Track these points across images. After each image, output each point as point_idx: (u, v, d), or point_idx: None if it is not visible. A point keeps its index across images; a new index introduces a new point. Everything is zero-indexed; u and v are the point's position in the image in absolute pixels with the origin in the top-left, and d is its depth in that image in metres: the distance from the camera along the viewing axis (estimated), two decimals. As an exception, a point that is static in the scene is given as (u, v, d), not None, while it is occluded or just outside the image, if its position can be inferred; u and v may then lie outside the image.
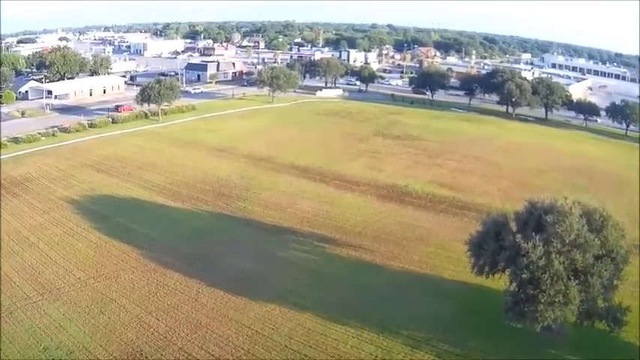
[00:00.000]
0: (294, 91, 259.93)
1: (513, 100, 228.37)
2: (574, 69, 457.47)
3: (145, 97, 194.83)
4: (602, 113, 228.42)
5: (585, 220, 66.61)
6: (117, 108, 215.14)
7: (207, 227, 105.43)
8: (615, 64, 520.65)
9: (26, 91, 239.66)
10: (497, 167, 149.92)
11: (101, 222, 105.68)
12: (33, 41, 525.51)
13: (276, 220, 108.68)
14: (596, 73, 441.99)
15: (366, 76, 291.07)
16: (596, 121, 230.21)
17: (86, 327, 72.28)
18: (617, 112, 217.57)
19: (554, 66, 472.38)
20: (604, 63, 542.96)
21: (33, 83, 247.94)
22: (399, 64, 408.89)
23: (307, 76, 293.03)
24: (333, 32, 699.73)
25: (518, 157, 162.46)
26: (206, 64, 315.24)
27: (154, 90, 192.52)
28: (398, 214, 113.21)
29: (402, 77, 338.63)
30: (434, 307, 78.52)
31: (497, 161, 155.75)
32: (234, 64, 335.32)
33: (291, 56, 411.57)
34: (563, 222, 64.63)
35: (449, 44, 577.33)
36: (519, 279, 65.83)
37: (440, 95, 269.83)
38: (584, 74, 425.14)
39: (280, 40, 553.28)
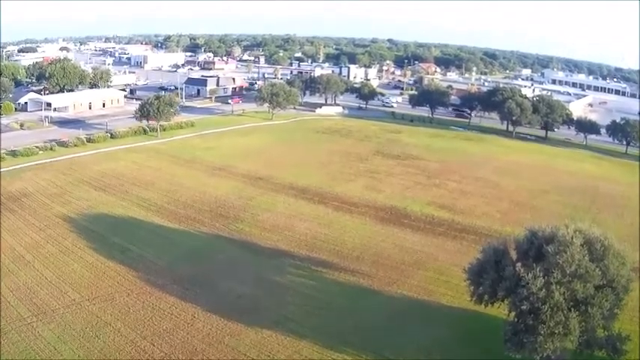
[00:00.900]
0: (294, 108, 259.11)
1: (514, 118, 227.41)
2: (574, 85, 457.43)
3: (144, 112, 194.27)
4: (603, 131, 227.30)
5: (586, 249, 65.81)
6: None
7: (204, 249, 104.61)
8: (615, 79, 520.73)
9: (25, 103, 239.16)
10: (497, 188, 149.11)
11: (97, 241, 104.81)
12: (34, 50, 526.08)
13: (274, 243, 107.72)
14: (596, 88, 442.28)
15: (366, 93, 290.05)
16: (599, 134, 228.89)
17: (81, 350, 71.39)
18: (618, 130, 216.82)
19: (554, 82, 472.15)
20: (604, 78, 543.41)
21: (32, 95, 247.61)
22: (399, 80, 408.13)
23: (307, 92, 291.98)
24: (334, 47, 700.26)
25: (519, 177, 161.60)
26: (206, 79, 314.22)
27: (153, 106, 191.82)
28: (396, 238, 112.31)
29: (401, 94, 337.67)
30: (432, 334, 77.62)
31: (497, 182, 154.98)
32: (234, 79, 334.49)
33: (292, 71, 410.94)
34: (564, 252, 63.90)
35: (449, 60, 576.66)
36: (519, 310, 65.11)
37: (440, 112, 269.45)
38: (584, 90, 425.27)
39: (281, 54, 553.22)
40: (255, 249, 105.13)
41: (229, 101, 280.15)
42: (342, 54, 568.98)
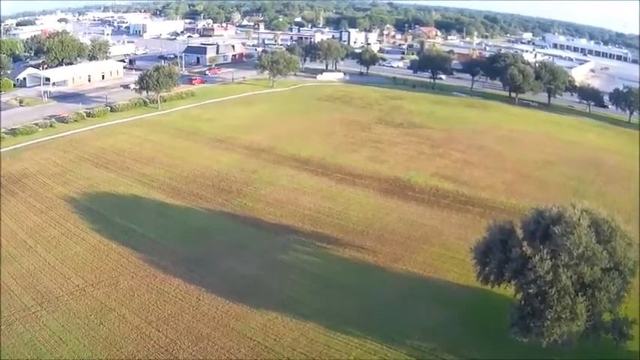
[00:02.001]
0: (295, 75, 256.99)
1: (516, 85, 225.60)
2: (575, 49, 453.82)
3: (143, 85, 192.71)
4: (606, 98, 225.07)
5: (594, 230, 64.85)
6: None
7: (207, 227, 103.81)
8: (617, 45, 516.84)
9: (24, 78, 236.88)
10: (501, 158, 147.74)
11: (100, 222, 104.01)
12: (32, 23, 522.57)
13: (277, 218, 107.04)
14: (597, 54, 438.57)
15: (367, 59, 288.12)
16: (602, 105, 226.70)
17: (86, 339, 70.87)
18: (621, 98, 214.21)
19: (555, 46, 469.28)
20: (605, 43, 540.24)
21: (31, 70, 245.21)
22: (400, 45, 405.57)
23: (308, 58, 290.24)
24: (334, 11, 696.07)
25: (522, 147, 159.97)
26: (205, 47, 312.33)
27: (152, 78, 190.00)
28: (401, 211, 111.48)
29: (403, 59, 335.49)
30: (438, 314, 77.06)
31: (501, 152, 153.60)
32: (233, 46, 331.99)
33: (292, 37, 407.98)
34: (571, 234, 62.88)
35: (450, 24, 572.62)
36: (526, 293, 64.52)
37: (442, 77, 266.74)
38: (585, 55, 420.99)
39: (280, 20, 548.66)
40: (258, 225, 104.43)
41: (207, 72, 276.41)
42: (343, 18, 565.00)
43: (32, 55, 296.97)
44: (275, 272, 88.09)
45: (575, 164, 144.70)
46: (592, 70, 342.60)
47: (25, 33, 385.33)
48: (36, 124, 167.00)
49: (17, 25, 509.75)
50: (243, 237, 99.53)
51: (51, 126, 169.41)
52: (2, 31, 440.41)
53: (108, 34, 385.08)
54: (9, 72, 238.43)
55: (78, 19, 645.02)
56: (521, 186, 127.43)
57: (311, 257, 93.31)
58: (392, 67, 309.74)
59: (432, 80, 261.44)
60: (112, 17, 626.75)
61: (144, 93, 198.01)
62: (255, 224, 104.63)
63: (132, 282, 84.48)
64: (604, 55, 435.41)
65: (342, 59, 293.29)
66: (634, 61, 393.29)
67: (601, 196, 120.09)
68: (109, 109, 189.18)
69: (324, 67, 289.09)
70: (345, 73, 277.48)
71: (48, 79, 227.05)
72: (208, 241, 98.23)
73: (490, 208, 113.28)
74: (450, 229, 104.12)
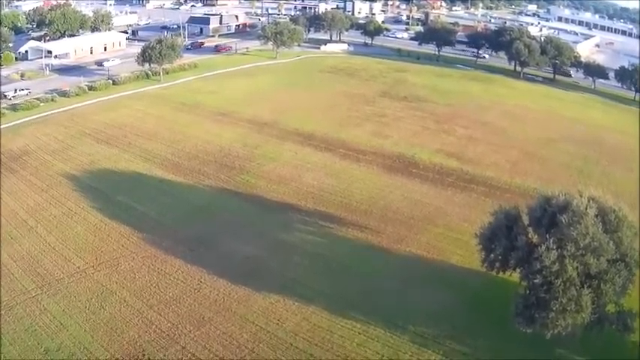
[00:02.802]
0: (299, 45, 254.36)
1: (522, 59, 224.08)
2: (580, 23, 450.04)
3: (146, 57, 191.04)
4: (611, 74, 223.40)
5: (600, 220, 64.30)
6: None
7: (209, 205, 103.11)
8: (622, 19, 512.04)
9: (26, 51, 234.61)
10: (505, 135, 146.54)
11: (101, 200, 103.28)
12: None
13: (280, 196, 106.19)
14: (602, 28, 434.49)
15: (371, 30, 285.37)
16: (607, 79, 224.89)
17: (87, 324, 70.45)
18: (627, 76, 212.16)
19: (560, 19, 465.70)
20: (610, 18, 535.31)
21: (33, 43, 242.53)
22: (407, 16, 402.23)
23: (312, 29, 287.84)
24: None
25: (527, 123, 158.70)
26: (208, 18, 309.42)
27: (155, 50, 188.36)
28: (405, 189, 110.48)
29: (407, 29, 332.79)
30: (442, 299, 76.31)
31: (506, 128, 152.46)
32: (237, 16, 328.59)
33: (295, 7, 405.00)
34: (578, 223, 62.26)
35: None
36: (531, 283, 63.80)
37: (446, 50, 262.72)
38: (590, 29, 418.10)
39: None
40: (261, 203, 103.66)
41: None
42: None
43: (34, 27, 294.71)
44: (277, 253, 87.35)
45: (579, 143, 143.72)
46: (597, 45, 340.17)
47: (28, 4, 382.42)
48: (37, 99, 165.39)
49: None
50: (246, 215, 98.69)
51: (52, 100, 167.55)
52: (4, 3, 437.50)
53: (111, 4, 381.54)
54: (11, 45, 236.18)
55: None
56: (525, 164, 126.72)
57: (314, 237, 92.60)
58: (396, 38, 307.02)
59: (436, 53, 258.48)
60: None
61: (146, 65, 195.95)
62: (258, 202, 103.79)
63: (133, 263, 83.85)
64: (609, 29, 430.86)
65: (347, 30, 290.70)
66: (638, 37, 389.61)
67: (605, 176, 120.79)
68: (111, 82, 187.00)
69: (329, 38, 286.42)
70: (349, 44, 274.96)
71: (50, 52, 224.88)
72: (210, 219, 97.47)
73: (494, 188, 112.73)
74: (454, 209, 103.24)
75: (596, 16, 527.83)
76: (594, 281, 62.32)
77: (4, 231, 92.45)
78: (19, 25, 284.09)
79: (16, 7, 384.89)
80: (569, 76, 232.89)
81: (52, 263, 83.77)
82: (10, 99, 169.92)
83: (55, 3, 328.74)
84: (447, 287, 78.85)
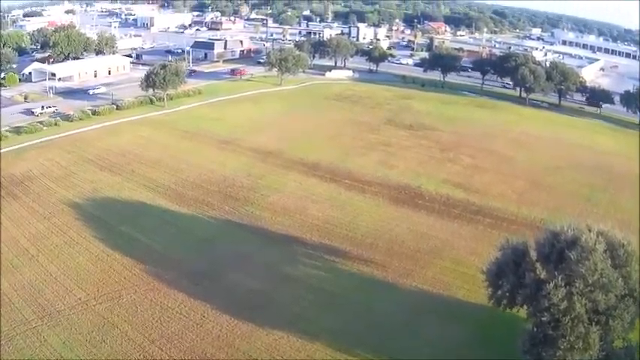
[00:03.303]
0: (303, 72, 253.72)
1: (527, 85, 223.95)
2: (585, 46, 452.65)
3: (149, 82, 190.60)
4: (616, 98, 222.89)
5: (609, 255, 63.36)
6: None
7: (213, 237, 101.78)
8: (626, 42, 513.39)
9: (30, 73, 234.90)
10: (511, 163, 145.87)
11: (103, 230, 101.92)
12: (39, 15, 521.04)
13: (285, 228, 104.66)
14: (607, 51, 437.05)
15: (376, 56, 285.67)
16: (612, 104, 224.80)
17: (88, 358, 69.02)
18: (632, 100, 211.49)
19: (564, 43, 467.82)
20: (614, 40, 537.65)
21: (37, 64, 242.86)
22: (409, 40, 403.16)
23: (317, 55, 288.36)
24: (342, 4, 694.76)
25: (533, 150, 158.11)
26: (213, 43, 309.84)
27: (159, 76, 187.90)
28: (411, 222, 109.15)
29: (412, 55, 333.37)
30: (448, 335, 74.85)
31: (512, 156, 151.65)
32: (241, 41, 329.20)
33: (300, 32, 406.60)
34: (587, 260, 61.21)
35: (459, 19, 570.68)
36: (539, 320, 62.66)
37: (452, 77, 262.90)
38: (594, 52, 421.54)
39: (289, 13, 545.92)
40: (266, 235, 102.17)
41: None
42: (351, 12, 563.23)
43: (38, 48, 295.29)
44: (282, 287, 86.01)
45: (586, 170, 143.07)
46: (602, 69, 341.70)
47: (32, 25, 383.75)
48: (41, 123, 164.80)
49: (24, 16, 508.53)
50: (250, 248, 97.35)
51: (55, 124, 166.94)
52: (9, 22, 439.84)
53: (115, 27, 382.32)
54: (14, 66, 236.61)
55: (85, 11, 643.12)
56: (532, 194, 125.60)
57: (319, 271, 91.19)
58: (401, 64, 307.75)
59: (441, 79, 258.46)
60: (120, 9, 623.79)
61: (150, 91, 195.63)
62: (263, 234, 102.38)
63: (135, 296, 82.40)
64: (613, 52, 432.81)
65: (352, 56, 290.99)
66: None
67: (612, 204, 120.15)
68: (115, 106, 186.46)
69: (333, 64, 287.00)
70: (353, 71, 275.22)
71: (54, 75, 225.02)
72: (214, 252, 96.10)
73: (501, 219, 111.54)
74: (460, 241, 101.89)
75: (600, 38, 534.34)
76: (602, 317, 61.41)
77: (4, 259, 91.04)
78: (23, 45, 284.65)
79: (21, 26, 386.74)
80: (599, 106, 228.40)
81: (54, 294, 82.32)
82: (37, 115, 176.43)
83: (59, 24, 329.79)
84: (454, 323, 77.40)
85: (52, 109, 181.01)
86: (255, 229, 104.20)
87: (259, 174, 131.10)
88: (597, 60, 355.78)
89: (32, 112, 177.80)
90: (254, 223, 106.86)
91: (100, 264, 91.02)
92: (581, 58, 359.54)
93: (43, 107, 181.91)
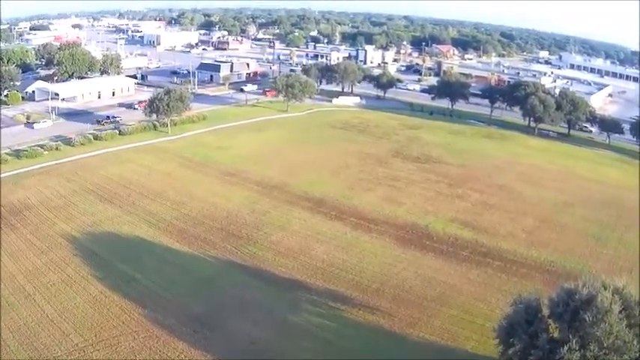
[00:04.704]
0: (310, 97, 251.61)
1: (537, 116, 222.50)
2: (592, 70, 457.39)
3: (153, 108, 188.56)
4: (626, 127, 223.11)
5: (625, 315, 61.58)
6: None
7: (215, 279, 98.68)
8: (633, 64, 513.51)
9: (33, 92, 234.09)
10: (520, 200, 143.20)
11: (102, 269, 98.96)
12: (46, 28, 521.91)
13: (289, 271, 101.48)
14: (614, 74, 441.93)
15: (384, 82, 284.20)
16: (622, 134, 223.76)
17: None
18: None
19: (572, 67, 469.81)
20: (621, 62, 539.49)
21: (40, 83, 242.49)
22: (417, 64, 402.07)
23: (324, 80, 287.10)
24: (349, 25, 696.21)
25: (542, 185, 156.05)
26: (219, 65, 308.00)
27: (162, 102, 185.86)
28: (418, 265, 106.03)
29: (420, 80, 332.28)
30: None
31: (521, 192, 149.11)
32: (248, 64, 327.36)
33: (307, 54, 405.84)
34: (602, 321, 59.64)
35: (467, 42, 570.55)
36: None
37: (460, 104, 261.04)
38: (602, 76, 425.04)
39: (296, 34, 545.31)
40: (269, 279, 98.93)
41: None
42: (359, 34, 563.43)
43: (43, 64, 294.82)
44: (285, 337, 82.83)
45: (595, 206, 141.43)
46: (610, 95, 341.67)
47: (38, 39, 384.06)
48: (41, 147, 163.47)
49: (31, 29, 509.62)
50: (253, 293, 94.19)
51: (57, 149, 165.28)
52: (15, 35, 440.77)
53: (121, 45, 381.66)
54: (18, 84, 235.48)
55: (92, 25, 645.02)
56: (541, 233, 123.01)
57: (323, 320, 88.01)
58: (408, 89, 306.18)
59: (449, 107, 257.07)
60: (127, 25, 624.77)
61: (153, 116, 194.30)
62: (266, 278, 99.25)
63: (134, 344, 79.34)
64: (621, 76, 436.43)
65: (359, 82, 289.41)
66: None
67: (622, 244, 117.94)
68: (118, 132, 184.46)
69: (341, 90, 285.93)
70: (361, 97, 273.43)
71: (57, 95, 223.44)
72: (216, 296, 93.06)
73: (510, 262, 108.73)
74: (469, 287, 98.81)
75: (608, 62, 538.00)
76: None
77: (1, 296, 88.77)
78: (28, 61, 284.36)
79: (27, 40, 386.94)
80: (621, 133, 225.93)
81: (50, 337, 79.42)
82: (103, 124, 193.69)
83: (65, 39, 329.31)
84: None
85: (118, 117, 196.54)
86: (257, 272, 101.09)
87: (263, 209, 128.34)
88: (606, 86, 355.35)
89: (98, 121, 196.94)
90: (257, 264, 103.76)
91: (98, 306, 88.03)
92: (590, 84, 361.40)
93: (108, 117, 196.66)
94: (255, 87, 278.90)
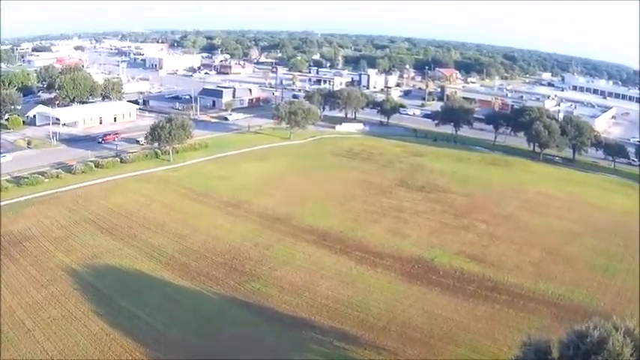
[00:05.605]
0: (313, 124, 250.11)
1: (542, 141, 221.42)
2: (595, 91, 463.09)
3: (155, 136, 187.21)
4: (631, 150, 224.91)
5: (636, 356, 60.34)
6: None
7: (218, 317, 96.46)
8: (636, 84, 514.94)
9: (34, 116, 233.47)
10: (527, 230, 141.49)
11: (103, 305, 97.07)
12: (48, 49, 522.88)
13: (293, 309, 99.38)
14: (617, 95, 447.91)
15: (387, 109, 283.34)
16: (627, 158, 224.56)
17: None
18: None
19: (575, 88, 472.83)
20: (624, 82, 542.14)
21: (41, 108, 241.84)
22: (419, 88, 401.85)
23: (327, 106, 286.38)
24: (352, 48, 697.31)
25: (549, 214, 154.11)
26: (221, 91, 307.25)
27: (164, 130, 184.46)
28: (425, 301, 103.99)
29: (423, 105, 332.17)
30: None
31: (527, 221, 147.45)
32: (250, 90, 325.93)
33: (310, 79, 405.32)
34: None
35: (470, 64, 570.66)
36: None
37: (464, 129, 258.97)
38: (605, 97, 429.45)
39: (299, 58, 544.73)
40: (273, 317, 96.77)
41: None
42: (362, 58, 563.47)
43: (44, 87, 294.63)
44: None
45: (603, 234, 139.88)
46: (613, 117, 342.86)
47: (41, 60, 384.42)
48: (42, 174, 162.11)
49: (33, 50, 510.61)
50: (256, 332, 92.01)
51: (57, 177, 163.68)
52: (18, 56, 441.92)
53: (123, 68, 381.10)
54: (19, 107, 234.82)
55: (95, 47, 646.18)
56: (548, 265, 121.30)
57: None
58: (408, 114, 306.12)
59: (453, 132, 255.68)
60: (129, 47, 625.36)
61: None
62: (270, 316, 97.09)
63: (133, 387, 77.55)
64: (624, 97, 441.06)
65: (362, 108, 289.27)
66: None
67: (631, 274, 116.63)
68: (119, 159, 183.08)
69: (344, 116, 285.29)
70: (364, 123, 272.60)
71: (58, 120, 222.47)
72: (219, 335, 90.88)
73: (518, 296, 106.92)
74: (476, 324, 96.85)
75: (610, 82, 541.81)
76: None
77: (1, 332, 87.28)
78: (29, 84, 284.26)
79: (29, 61, 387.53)
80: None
81: (49, 379, 77.33)
82: (142, 144, 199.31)
83: (68, 61, 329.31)
84: None
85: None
86: (261, 309, 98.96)
87: (266, 243, 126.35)
88: (609, 108, 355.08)
89: (137, 141, 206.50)
90: (260, 301, 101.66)
91: (98, 344, 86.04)
92: (593, 106, 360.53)
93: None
94: (241, 115, 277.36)
